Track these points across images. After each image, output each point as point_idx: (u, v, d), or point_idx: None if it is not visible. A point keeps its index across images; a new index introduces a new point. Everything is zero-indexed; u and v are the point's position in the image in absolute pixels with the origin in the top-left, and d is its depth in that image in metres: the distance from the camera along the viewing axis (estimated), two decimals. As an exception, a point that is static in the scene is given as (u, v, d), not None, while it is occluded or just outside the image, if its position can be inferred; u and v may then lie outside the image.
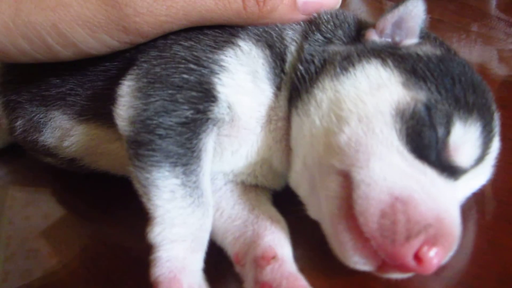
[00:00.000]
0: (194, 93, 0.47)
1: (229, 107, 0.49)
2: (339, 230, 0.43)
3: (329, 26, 0.53)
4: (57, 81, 0.57)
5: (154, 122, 0.46)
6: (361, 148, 0.43)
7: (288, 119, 0.51)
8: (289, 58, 0.52)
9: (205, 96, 0.47)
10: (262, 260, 0.46)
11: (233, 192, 0.55)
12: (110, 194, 0.62)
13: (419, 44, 0.51)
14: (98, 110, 0.55)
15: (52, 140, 0.59)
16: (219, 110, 0.48)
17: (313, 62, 0.50)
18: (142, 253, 0.44)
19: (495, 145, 0.47)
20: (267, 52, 0.51)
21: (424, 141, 0.43)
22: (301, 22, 0.54)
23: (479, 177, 0.47)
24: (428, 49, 0.50)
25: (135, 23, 0.48)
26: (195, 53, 0.49)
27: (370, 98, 0.45)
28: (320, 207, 0.46)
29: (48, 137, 0.59)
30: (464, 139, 0.44)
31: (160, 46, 0.51)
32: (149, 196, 0.45)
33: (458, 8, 1.17)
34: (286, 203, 0.53)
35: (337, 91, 0.47)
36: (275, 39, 0.52)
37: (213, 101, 0.48)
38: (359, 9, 1.21)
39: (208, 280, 0.46)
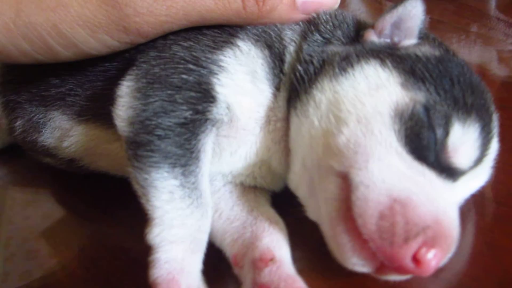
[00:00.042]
0: (193, 94, 0.47)
1: (228, 108, 0.49)
2: (337, 232, 0.43)
3: (328, 26, 0.53)
4: (57, 81, 0.57)
5: (153, 122, 0.46)
6: (360, 149, 0.43)
7: (287, 120, 0.51)
8: (288, 58, 0.52)
9: (204, 96, 0.47)
10: (260, 262, 0.46)
11: (232, 193, 0.55)
12: (110, 195, 0.62)
13: (418, 44, 0.51)
14: (98, 110, 0.55)
15: (52, 141, 0.59)
16: (218, 111, 0.48)
17: (312, 62, 0.50)
18: (141, 254, 0.44)
19: (494, 146, 0.47)
20: (266, 52, 0.51)
21: (423, 142, 0.43)
22: (300, 23, 0.54)
23: (477, 179, 0.47)
24: (427, 50, 0.50)
25: (135, 23, 0.48)
26: (194, 54, 0.49)
27: (369, 99, 0.45)
28: (319, 208, 0.46)
29: (48, 137, 0.59)
30: (463, 140, 0.44)
31: (159, 46, 0.51)
32: (148, 197, 0.45)
33: (457, 9, 1.17)
34: (285, 204, 0.53)
35: (336, 92, 0.47)
36: (274, 39, 0.52)
37: (212, 102, 0.48)
38: (359, 10, 1.21)
39: (207, 281, 0.46)
